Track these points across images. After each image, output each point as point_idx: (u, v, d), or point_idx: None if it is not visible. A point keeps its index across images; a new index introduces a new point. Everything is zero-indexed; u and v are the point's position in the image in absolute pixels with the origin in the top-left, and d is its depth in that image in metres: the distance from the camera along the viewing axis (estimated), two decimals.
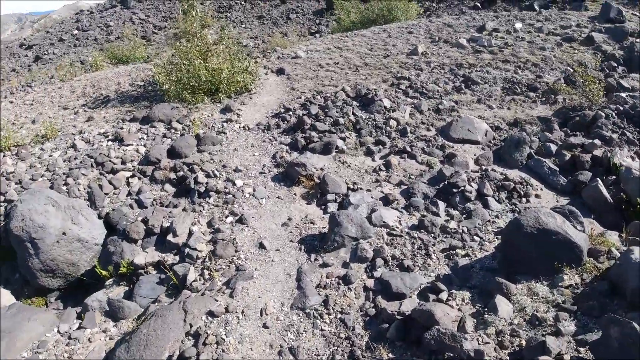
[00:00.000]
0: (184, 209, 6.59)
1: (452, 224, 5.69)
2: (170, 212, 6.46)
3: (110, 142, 9.31)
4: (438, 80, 12.02)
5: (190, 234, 5.87)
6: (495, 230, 5.80)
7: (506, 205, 6.64)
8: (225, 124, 9.45)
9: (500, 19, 18.07)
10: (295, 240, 5.71)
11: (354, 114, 9.41)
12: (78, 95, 12.88)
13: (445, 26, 17.51)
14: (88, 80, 13.78)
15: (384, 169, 7.50)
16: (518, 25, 16.35)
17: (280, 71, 12.85)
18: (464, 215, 6.26)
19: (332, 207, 6.38)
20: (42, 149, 9.43)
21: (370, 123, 9.11)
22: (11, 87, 24.95)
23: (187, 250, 5.59)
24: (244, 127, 9.34)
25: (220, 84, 10.57)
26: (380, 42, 15.82)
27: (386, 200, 6.47)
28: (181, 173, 7.48)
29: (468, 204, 6.46)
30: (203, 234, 5.84)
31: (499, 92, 11.58)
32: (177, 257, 5.70)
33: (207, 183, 7.09)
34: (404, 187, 7.01)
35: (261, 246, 5.53)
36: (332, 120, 9.04)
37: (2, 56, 31.78)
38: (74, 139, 9.59)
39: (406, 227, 5.73)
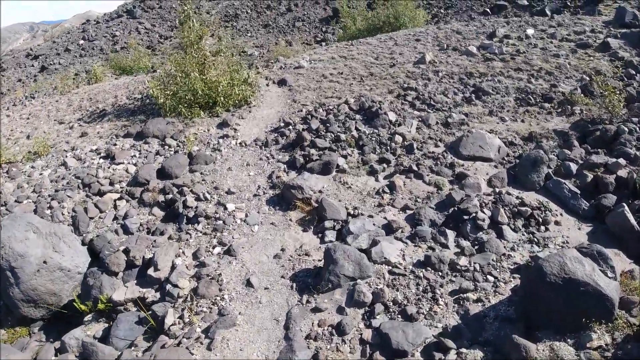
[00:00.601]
0: (170, 237, 6.09)
1: (463, 260, 5.09)
2: (154, 241, 5.96)
3: (101, 160, 8.89)
4: (447, 90, 11.44)
5: (173, 267, 5.35)
6: (512, 266, 5.19)
7: (523, 235, 6.02)
8: (221, 140, 8.97)
9: (511, 25, 17.45)
10: (287, 276, 5.16)
11: (356, 128, 8.87)
12: (75, 108, 12.53)
13: (454, 33, 16.93)
14: (86, 93, 13.43)
15: (388, 191, 6.93)
16: (530, 31, 15.73)
17: (282, 82, 12.37)
18: (476, 247, 5.66)
19: (330, 236, 5.83)
20: (32, 167, 9.05)
21: (374, 139, 8.56)
22: (15, 98, 24.92)
23: (168, 286, 5.07)
24: (240, 143, 8.85)
25: (218, 97, 10.11)
26: (386, 50, 15.29)
27: (389, 228, 5.90)
28: (170, 196, 6.99)
29: (480, 233, 5.87)
30: (187, 267, 5.32)
31: (512, 103, 10.97)
32: (157, 294, 5.18)
33: (196, 207, 6.58)
34: (409, 212, 6.44)
35: (248, 284, 4.99)
36: (333, 135, 8.51)
37: (9, 66, 31.86)
38: (66, 157, 9.20)
39: (411, 263, 5.15)
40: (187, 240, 5.98)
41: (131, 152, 9.03)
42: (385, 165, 7.76)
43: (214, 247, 5.73)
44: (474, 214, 6.10)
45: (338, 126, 8.89)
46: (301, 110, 10.31)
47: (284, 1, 34.80)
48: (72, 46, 31.36)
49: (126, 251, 5.79)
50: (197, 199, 6.85)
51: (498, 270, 5.20)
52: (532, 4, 25.01)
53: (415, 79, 12.27)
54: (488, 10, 25.16)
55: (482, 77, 12.23)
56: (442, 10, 26.03)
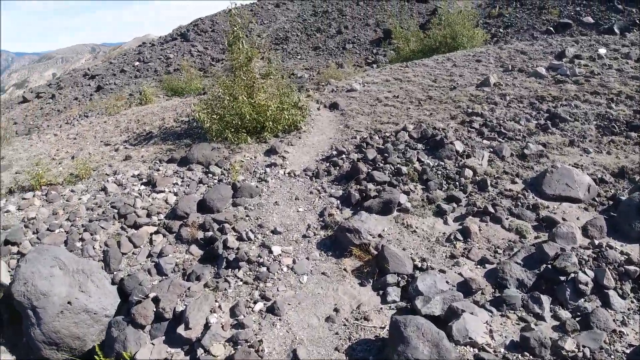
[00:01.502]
0: (206, 285, 5.28)
1: (569, 344, 3.89)
2: (188, 289, 5.17)
3: (142, 187, 8.38)
4: (518, 116, 10.20)
5: (207, 326, 4.51)
6: (625, 348, 3.96)
7: (632, 302, 4.74)
8: (268, 169, 8.21)
9: (580, 44, 15.94)
10: (342, 348, 4.17)
11: (419, 160, 7.84)
12: (122, 130, 12.32)
13: (518, 53, 15.65)
14: (134, 115, 13.26)
15: (461, 238, 5.83)
16: (602, 50, 14.20)
17: (333, 106, 11.59)
18: (578, 319, 4.45)
19: (394, 294, 4.81)
20: (72, 191, 8.68)
21: (439, 172, 7.49)
22: (70, 115, 25.80)
23: (199, 351, 4.23)
24: (289, 173, 8.04)
25: (266, 121, 9.44)
26: (444, 72, 14.24)
27: (467, 289, 4.80)
28: (210, 233, 6.24)
29: (582, 300, 4.65)
30: (222, 327, 4.46)
31: (594, 131, 9.57)
32: (187, 358, 4.33)
33: (238, 249, 5.77)
34: (489, 266, 5.30)
35: (295, 357, 4.04)
36: (392, 168, 7.52)
37: (67, 84, 33.39)
38: (107, 181, 8.78)
39: (502, 344, 4.01)
40: (224, 290, 5.15)
41: (173, 179, 8.46)
42: (454, 204, 6.67)
43: (255, 302, 4.85)
44: (572, 275, 4.89)
45: (398, 156, 7.90)
46: (355, 137, 9.43)
47: (334, 24, 34.62)
48: (127, 67, 32.48)
49: (156, 300, 5.03)
50: (239, 238, 6.04)
51: (612, 356, 3.98)
52: (599, 22, 23.20)
53: (479, 103, 11.12)
54: (551, 28, 23.55)
55: (555, 102, 10.91)
56: (501, 30, 24.66)
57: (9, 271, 6.55)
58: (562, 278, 4.89)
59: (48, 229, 7.06)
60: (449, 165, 7.83)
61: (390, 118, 10.58)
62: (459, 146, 8.31)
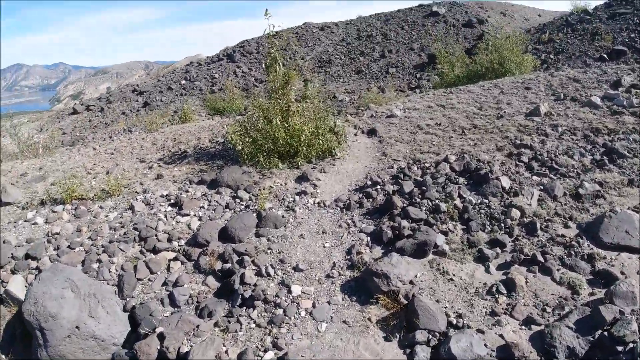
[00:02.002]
0: (216, 324, 4.86)
1: None
2: (197, 328, 4.77)
3: (169, 208, 8.19)
4: (571, 150, 9.34)
5: None
6: None
7: None
8: (297, 198, 7.81)
9: (637, 72, 14.74)
10: None
11: (460, 196, 7.19)
12: (158, 148, 12.36)
13: (571, 81, 14.65)
14: (171, 133, 13.34)
15: (505, 291, 5.13)
16: None
17: (371, 132, 11.13)
18: None
19: (422, 355, 4.19)
20: (101, 207, 8.62)
21: (482, 211, 6.81)
22: (114, 129, 26.71)
23: None
24: (319, 203, 7.60)
25: (300, 146, 9.09)
26: (491, 99, 13.49)
27: (508, 355, 4.12)
28: (228, 265, 5.85)
29: None
30: None
31: None
32: None
33: (255, 285, 5.34)
34: (535, 328, 4.58)
35: None
36: (430, 204, 6.91)
37: (116, 99, 34.81)
38: (135, 199, 8.67)
39: None
40: (235, 332, 4.70)
41: (200, 202, 8.22)
42: (498, 249, 5.97)
43: (265, 351, 4.36)
44: (631, 345, 4.11)
45: (437, 191, 7.29)
46: (392, 167, 8.89)
47: (378, 47, 34.45)
48: (174, 85, 33.53)
49: (161, 337, 4.65)
50: (258, 273, 5.61)
51: None
52: None
53: (529, 134, 10.32)
54: (605, 55, 22.20)
55: (612, 135, 9.96)
56: (551, 56, 23.53)
57: (26, 286, 6.43)
58: (620, 348, 4.12)
59: (69, 247, 6.93)
60: (493, 203, 7.13)
61: (430, 147, 9.98)
62: (506, 182, 7.59)
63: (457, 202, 7.00)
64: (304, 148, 8.98)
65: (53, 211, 8.44)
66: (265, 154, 9.01)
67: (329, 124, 9.70)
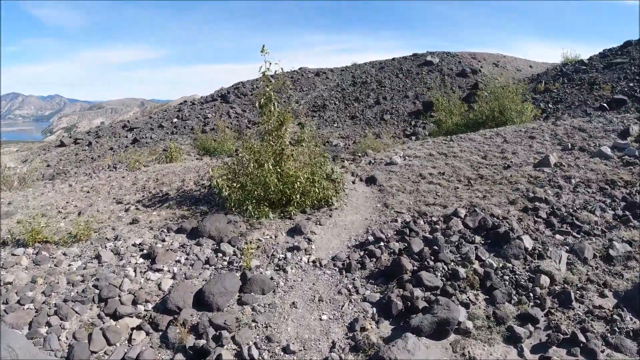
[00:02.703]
0: None
1: None
2: None
3: (140, 260, 7.10)
4: (589, 204, 8.52)
5: None
6: None
7: None
8: (289, 255, 6.77)
9: None
10: None
11: (478, 258, 6.22)
12: (138, 188, 11.33)
13: (576, 130, 14.14)
14: (154, 173, 12.36)
15: None
16: None
17: (370, 180, 10.26)
18: None
19: None
20: (64, 254, 7.50)
21: (506, 277, 5.83)
22: (98, 165, 25.62)
23: None
24: (314, 261, 6.57)
25: (293, 194, 8.15)
26: (495, 148, 12.83)
27: None
28: (202, 341, 4.73)
29: None
30: None
31: None
32: None
33: None
34: None
35: None
36: (446, 268, 5.92)
37: (105, 134, 33.91)
38: (104, 247, 7.57)
39: None
40: None
41: (177, 254, 7.14)
42: (530, 327, 4.95)
43: None
44: None
45: (451, 251, 6.32)
46: (395, 220, 7.95)
47: (373, 94, 34.45)
48: (165, 123, 32.85)
49: None
50: (239, 355, 4.49)
51: None
52: None
53: (541, 186, 9.54)
54: (605, 105, 22.04)
55: (629, 187, 9.25)
56: (550, 105, 23.36)
57: None
58: None
59: (18, 302, 5.78)
60: (517, 267, 6.16)
61: (436, 199, 9.11)
62: (528, 242, 6.67)
63: (476, 266, 6.02)
64: (298, 196, 8.04)
65: (13, 254, 7.35)
66: (254, 201, 8.04)
67: (325, 170, 8.83)
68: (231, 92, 36.57)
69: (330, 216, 8.15)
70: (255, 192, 7.91)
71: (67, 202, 11.02)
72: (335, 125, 30.72)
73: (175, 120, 33.39)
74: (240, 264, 6.51)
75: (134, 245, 7.70)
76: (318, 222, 7.81)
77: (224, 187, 7.97)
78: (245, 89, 36.89)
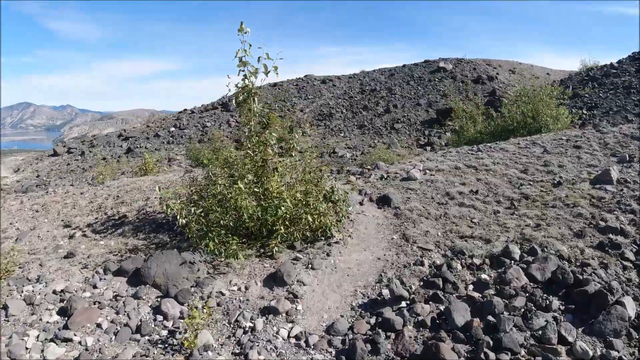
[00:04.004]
0: None
1: None
2: None
3: (55, 317, 4.95)
4: None
5: None
6: None
7: None
8: (261, 322, 4.44)
9: None
10: None
11: (562, 338, 3.84)
12: (94, 208, 9.12)
13: (629, 138, 11.78)
14: (117, 189, 10.12)
15: None
16: None
17: (383, 201, 7.94)
18: None
19: None
20: None
21: None
22: (84, 176, 23.55)
23: None
24: (297, 337, 4.22)
25: (278, 224, 5.83)
26: (534, 159, 10.48)
27: None
28: None
29: None
30: None
31: None
32: None
33: None
34: None
35: None
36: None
37: (100, 143, 31.94)
38: (20, 293, 5.42)
39: None
40: None
41: (103, 312, 4.90)
42: None
43: None
44: None
45: (516, 325, 3.94)
46: (421, 262, 5.60)
47: (382, 102, 32.22)
48: (162, 132, 30.85)
49: None
50: None
51: None
52: None
53: (609, 211, 7.17)
54: None
55: None
56: (584, 111, 20.88)
57: None
58: None
59: None
60: (623, 354, 3.77)
61: (473, 228, 6.76)
62: (631, 308, 4.27)
63: (562, 352, 3.63)
64: (283, 227, 5.70)
65: None
66: (222, 232, 5.71)
67: (323, 189, 6.49)
68: (232, 99, 34.53)
69: (328, 254, 5.80)
70: (221, 223, 5.57)
71: (10, 223, 8.87)
72: (342, 134, 28.46)
73: (172, 129, 31.38)
74: (183, 335, 4.19)
75: (54, 292, 5.48)
76: (310, 265, 5.47)
77: (180, 213, 5.66)
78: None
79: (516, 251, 5.63)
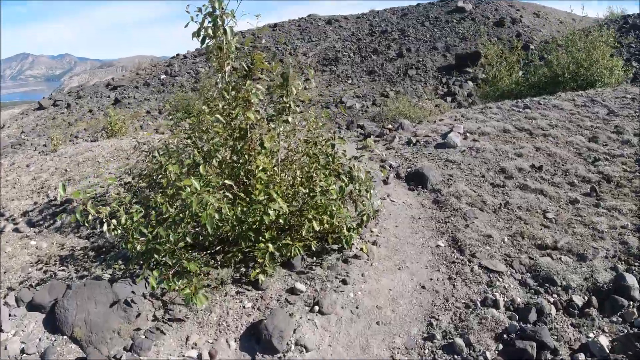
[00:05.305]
0: None
1: None
2: None
3: None
4: None
5: None
6: None
7: None
8: None
9: None
10: None
11: None
12: (36, 187, 7.03)
13: None
14: (69, 158, 7.94)
15: None
16: None
17: (416, 179, 5.82)
18: None
19: None
20: None
21: None
22: (65, 133, 21.33)
23: None
24: None
25: (265, 235, 3.74)
26: (601, 123, 8.21)
27: None
28: None
29: None
30: None
31: None
32: None
33: None
34: None
35: None
36: None
37: (87, 94, 29.40)
38: None
39: None
40: None
41: None
42: None
43: None
44: None
45: None
46: (493, 300, 3.55)
47: (394, 45, 29.09)
48: (152, 80, 28.18)
49: None
50: None
51: None
52: None
53: None
54: None
55: None
56: (633, 64, 18.12)
57: None
58: None
59: None
60: None
61: (549, 228, 4.72)
62: None
63: None
64: (270, 245, 3.58)
65: None
66: (175, 252, 3.61)
67: (336, 163, 4.27)
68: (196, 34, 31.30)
69: (344, 281, 3.74)
70: (174, 236, 3.44)
71: None
72: (350, 81, 25.72)
73: (163, 76, 28.64)
74: None
75: None
76: (317, 306, 3.42)
77: (107, 220, 3.51)
78: (245, 40, 31.63)
79: (635, 285, 3.57)
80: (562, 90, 11.05)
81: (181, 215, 3.43)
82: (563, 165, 6.47)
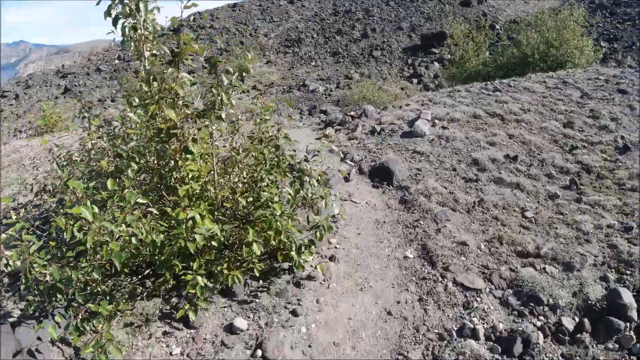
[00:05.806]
0: None
1: None
2: None
3: None
4: None
5: None
6: None
7: None
8: None
9: None
10: None
11: None
12: None
13: None
14: None
15: None
16: None
17: (381, 174, 5.21)
18: None
19: None
20: None
21: None
22: (10, 127, 19.66)
23: None
24: None
25: (198, 258, 3.02)
26: (576, 107, 7.87)
27: None
28: None
29: None
30: None
31: None
32: None
33: None
34: None
35: None
36: None
37: (35, 83, 27.29)
38: None
39: None
40: None
41: None
42: None
43: None
44: None
45: None
46: (472, 329, 2.98)
47: (359, 25, 28.29)
48: (104, 66, 26.39)
49: None
50: None
51: None
52: None
53: None
54: None
55: None
56: (602, 44, 18.01)
57: None
58: None
59: None
60: None
61: (529, 230, 4.23)
62: None
63: None
64: (198, 278, 2.87)
65: None
66: (83, 287, 2.85)
67: (281, 164, 3.56)
68: (185, 25, 29.70)
69: (295, 313, 3.07)
70: (75, 274, 2.67)
71: None
72: (313, 63, 24.83)
73: (116, 61, 26.86)
74: None
75: None
76: (259, 349, 2.74)
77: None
78: (203, 21, 30.07)
79: (632, 303, 3.09)
80: (532, 71, 10.64)
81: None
82: (539, 154, 5.99)
